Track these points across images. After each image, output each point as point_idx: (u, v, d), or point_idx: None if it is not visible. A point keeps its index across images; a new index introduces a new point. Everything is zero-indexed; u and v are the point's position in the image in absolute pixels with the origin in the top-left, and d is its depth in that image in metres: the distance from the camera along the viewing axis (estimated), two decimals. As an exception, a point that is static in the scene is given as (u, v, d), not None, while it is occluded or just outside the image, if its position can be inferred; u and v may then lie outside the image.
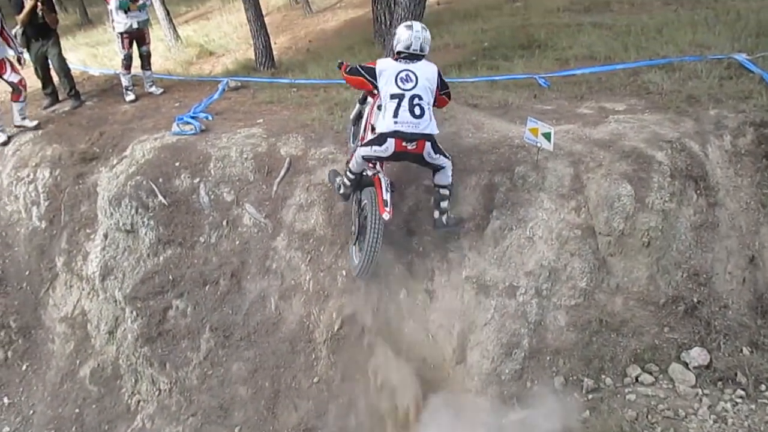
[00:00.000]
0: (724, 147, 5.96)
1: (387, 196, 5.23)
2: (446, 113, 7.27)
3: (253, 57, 10.46)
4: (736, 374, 5.05)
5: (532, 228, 5.61)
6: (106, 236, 6.78)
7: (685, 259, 5.47)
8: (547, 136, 5.64)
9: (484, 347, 5.37)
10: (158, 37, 12.16)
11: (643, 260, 5.44)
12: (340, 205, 6.18)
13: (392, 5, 9.61)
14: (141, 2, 8.29)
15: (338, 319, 5.84)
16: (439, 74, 5.40)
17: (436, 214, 5.53)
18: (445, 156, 5.35)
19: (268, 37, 10.38)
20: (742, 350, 5.23)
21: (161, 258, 6.54)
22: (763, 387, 5.01)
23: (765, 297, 5.41)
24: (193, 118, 7.45)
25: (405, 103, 5.11)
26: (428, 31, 5.43)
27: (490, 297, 5.47)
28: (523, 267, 5.50)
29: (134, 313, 6.45)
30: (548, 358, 5.29)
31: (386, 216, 5.10)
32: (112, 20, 8.48)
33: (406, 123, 5.10)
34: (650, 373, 5.18)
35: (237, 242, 6.46)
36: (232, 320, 6.23)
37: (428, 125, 5.17)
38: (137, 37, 8.51)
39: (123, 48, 8.45)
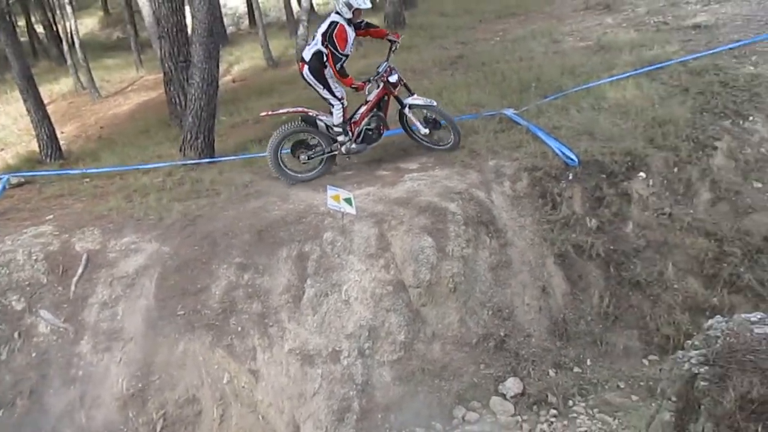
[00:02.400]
0: (506, 192, 6.63)
1: None
2: (251, 187, 7.33)
3: (38, 149, 9.75)
4: (547, 396, 5.48)
5: (347, 291, 5.75)
6: None
7: (488, 298, 5.91)
8: (348, 201, 5.89)
9: (316, 417, 5.32)
10: None
11: (453, 305, 5.80)
12: (150, 297, 5.88)
13: (185, 86, 9.55)
14: None
15: (160, 420, 5.46)
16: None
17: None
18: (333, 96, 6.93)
19: (53, 127, 9.79)
20: (548, 373, 5.70)
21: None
22: (571, 403, 5.48)
23: (559, 321, 5.99)
24: (-33, 224, 6.71)
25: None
26: None
27: (316, 366, 5.46)
28: (344, 330, 5.59)
29: None
30: (379, 415, 5.35)
31: None
32: None
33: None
34: (474, 411, 5.44)
35: (33, 354, 5.83)
36: (36, 444, 5.55)
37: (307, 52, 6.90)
38: None
39: None
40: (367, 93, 7.16)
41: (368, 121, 7.23)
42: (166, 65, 10.47)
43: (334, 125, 7.12)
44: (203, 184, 7.64)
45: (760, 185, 6.70)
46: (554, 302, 6.11)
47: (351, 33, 6.81)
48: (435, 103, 7.07)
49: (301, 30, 12.72)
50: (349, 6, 6.61)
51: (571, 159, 6.63)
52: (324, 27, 6.77)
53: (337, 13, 6.72)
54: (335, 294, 5.76)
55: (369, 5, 6.75)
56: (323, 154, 7.34)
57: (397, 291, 5.76)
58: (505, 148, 7.18)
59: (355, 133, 7.23)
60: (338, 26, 6.66)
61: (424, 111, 7.13)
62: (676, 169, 6.77)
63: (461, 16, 15.35)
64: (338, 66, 6.77)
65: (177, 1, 10.16)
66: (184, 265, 6.16)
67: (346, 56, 6.90)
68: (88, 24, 28.59)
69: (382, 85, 7.02)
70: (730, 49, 8.61)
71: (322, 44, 6.76)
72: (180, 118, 9.79)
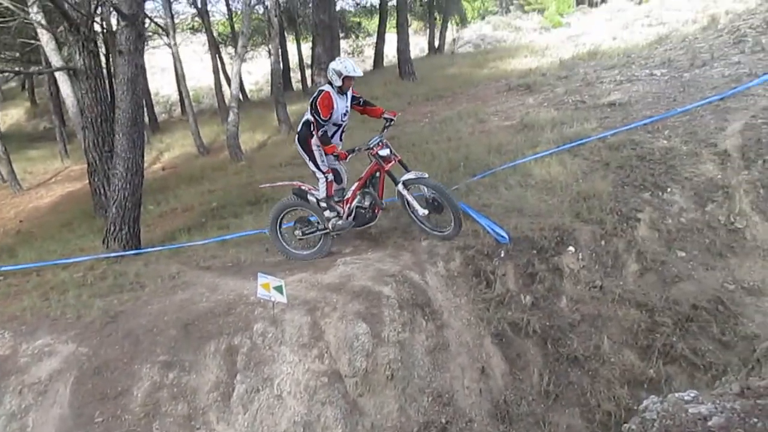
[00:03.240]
0: (440, 272, 6.57)
1: None
2: (179, 279, 7.04)
3: (-52, 248, 9.18)
4: (492, 485, 5.26)
5: (279, 385, 5.45)
6: None
7: (427, 383, 5.71)
8: (279, 289, 5.69)
9: None
10: None
11: (391, 393, 5.56)
12: (64, 405, 5.42)
13: (110, 176, 9.27)
14: None
15: None
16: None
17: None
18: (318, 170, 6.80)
19: (-35, 224, 9.25)
20: (492, 460, 5.50)
21: None
22: (516, 491, 5.27)
23: (500, 403, 5.83)
24: None
25: None
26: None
27: (247, 470, 5.09)
28: (277, 428, 5.25)
29: None
30: None
31: None
32: None
33: None
34: (419, 508, 5.14)
35: (-71, 479, 5.23)
36: None
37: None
38: None
39: None
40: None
41: (360, 198, 7.00)
42: (90, 155, 10.21)
43: (318, 199, 6.99)
44: (127, 277, 7.30)
45: (683, 254, 6.89)
46: (494, 383, 5.96)
47: (340, 102, 6.69)
48: (426, 175, 6.72)
49: (231, 117, 12.75)
50: (339, 74, 6.53)
51: (502, 236, 6.68)
52: (312, 97, 6.73)
53: (329, 83, 6.67)
54: (267, 389, 5.45)
55: (360, 73, 6.65)
56: (317, 231, 7.19)
57: (332, 382, 5.50)
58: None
59: (346, 211, 7.02)
60: (323, 93, 6.59)
61: (424, 190, 6.73)
62: (603, 242, 6.91)
63: (390, 99, 15.78)
64: (321, 133, 6.60)
65: (101, 91, 10.01)
66: (103, 367, 5.74)
67: (338, 126, 6.84)
68: (14, 115, 28.00)
69: (373, 160, 6.81)
70: (644, 124, 9.05)
71: (310, 113, 6.69)
72: (105, 209, 9.46)
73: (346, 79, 6.57)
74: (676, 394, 2.91)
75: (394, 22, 19.83)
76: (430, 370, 5.80)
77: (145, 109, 22.45)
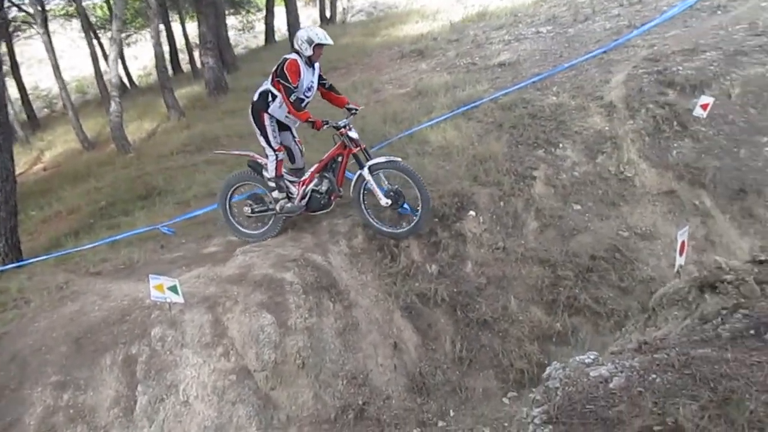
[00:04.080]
0: (343, 251, 6.42)
1: None
2: (67, 289, 6.56)
3: None
4: (415, 460, 5.23)
5: (185, 390, 5.17)
6: None
7: (340, 366, 5.59)
8: (173, 289, 5.37)
9: None
10: None
11: (304, 382, 5.40)
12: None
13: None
14: None
15: None
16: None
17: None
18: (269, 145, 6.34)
19: None
20: (414, 434, 5.47)
21: None
22: (438, 464, 5.27)
23: (416, 376, 5.80)
24: None
25: None
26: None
27: (158, 484, 4.81)
28: (186, 436, 5.00)
29: None
30: None
31: None
32: None
33: None
34: (343, 493, 5.05)
35: None
36: None
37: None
38: None
39: None
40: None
41: (318, 182, 6.55)
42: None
43: (267, 178, 6.53)
44: (9, 294, 6.72)
45: (579, 207, 7.05)
46: (408, 357, 5.92)
47: (308, 73, 6.22)
48: (399, 159, 6.32)
49: (113, 106, 11.96)
50: (310, 42, 6.03)
51: (404, 208, 6.58)
52: (276, 66, 6.19)
53: (296, 51, 6.15)
54: (172, 396, 5.15)
55: (330, 41, 6.16)
56: (267, 210, 6.75)
57: (241, 379, 5.27)
58: (337, 204, 7.01)
59: (300, 193, 6.57)
60: (289, 60, 6.07)
61: (384, 182, 6.32)
62: (502, 203, 6.96)
63: (284, 75, 15.30)
64: (293, 98, 6.08)
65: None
66: (-13, 397, 5.26)
67: (305, 98, 6.29)
68: None
69: (339, 141, 6.40)
70: (534, 82, 9.18)
71: (272, 83, 6.21)
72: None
73: (317, 47, 6.09)
74: (577, 358, 2.90)
75: (282, -6, 19.25)
76: (342, 353, 5.68)
77: (21, 105, 20.89)
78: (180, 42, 23.60)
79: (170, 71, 23.36)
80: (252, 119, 6.46)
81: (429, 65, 12.26)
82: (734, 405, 2.16)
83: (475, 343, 6.08)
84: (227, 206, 6.85)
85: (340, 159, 6.49)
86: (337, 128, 6.23)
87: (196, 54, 20.37)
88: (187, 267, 6.44)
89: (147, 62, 29.35)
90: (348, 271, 6.26)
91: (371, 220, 6.47)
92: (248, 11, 28.29)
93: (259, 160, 6.64)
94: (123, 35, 25.33)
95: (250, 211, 6.79)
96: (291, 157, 6.76)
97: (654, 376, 2.46)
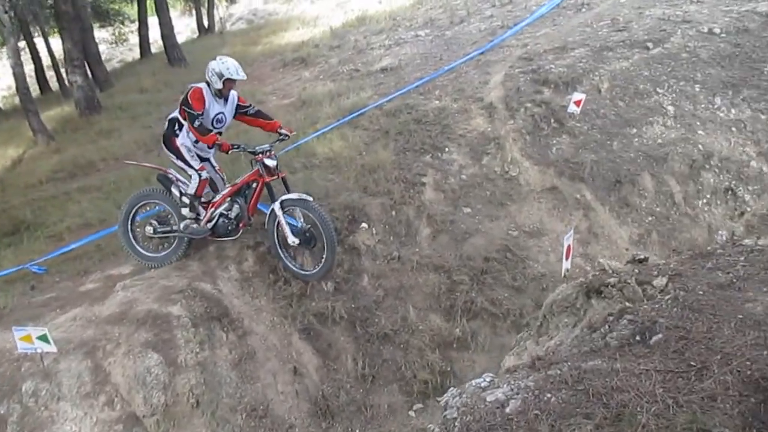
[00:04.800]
0: (233, 277, 6.13)
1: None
2: None
3: None
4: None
5: (65, 448, 4.70)
6: None
7: (238, 400, 5.30)
8: (43, 338, 4.86)
9: None
10: None
11: (199, 422, 5.06)
12: None
13: None
14: None
15: None
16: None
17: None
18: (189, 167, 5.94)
19: None
20: (319, 461, 5.28)
21: None
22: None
23: (319, 399, 5.61)
24: None
25: None
26: None
27: None
28: (69, 499, 4.54)
29: None
30: None
31: None
32: None
33: None
34: None
35: None
36: None
37: None
38: None
39: None
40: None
41: (228, 206, 6.11)
42: None
43: (185, 193, 6.04)
44: None
45: (469, 210, 7.12)
46: (310, 381, 5.72)
47: (215, 105, 5.88)
48: (311, 199, 5.97)
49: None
50: (220, 75, 5.66)
51: (295, 226, 6.35)
52: (183, 94, 5.83)
53: (207, 83, 5.76)
54: (50, 457, 4.68)
55: (243, 76, 5.77)
56: (171, 231, 6.23)
57: (129, 428, 4.86)
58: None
59: (208, 216, 6.11)
60: (194, 88, 5.73)
61: (299, 218, 6.06)
62: (394, 213, 6.90)
63: (162, 90, 14.65)
64: (197, 124, 5.70)
65: None
66: None
67: (212, 129, 5.92)
68: None
69: (255, 168, 5.99)
70: (416, 87, 9.22)
71: (179, 111, 5.85)
72: None
73: (228, 81, 5.75)
74: (474, 382, 2.83)
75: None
76: (239, 385, 5.39)
77: None
78: (47, 59, 22.05)
79: (38, 91, 21.80)
80: (164, 147, 6.14)
81: (312, 73, 12.09)
82: (627, 420, 2.15)
83: (377, 358, 5.97)
84: (129, 227, 6.37)
85: (254, 185, 6.15)
86: (254, 153, 5.90)
87: (65, 71, 19.05)
88: (62, 309, 5.91)
89: (12, 82, 27.29)
90: (240, 298, 5.97)
91: (284, 257, 6.19)
92: (122, 23, 26.87)
93: (170, 175, 6.23)
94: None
95: (152, 231, 6.35)
96: (214, 187, 6.36)
97: (549, 395, 2.41)
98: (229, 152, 5.82)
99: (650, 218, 7.16)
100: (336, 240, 6.06)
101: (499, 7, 12.47)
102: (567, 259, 4.05)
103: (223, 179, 6.43)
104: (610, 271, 3.20)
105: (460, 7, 13.41)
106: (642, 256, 3.35)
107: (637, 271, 3.21)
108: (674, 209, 7.23)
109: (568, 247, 4.12)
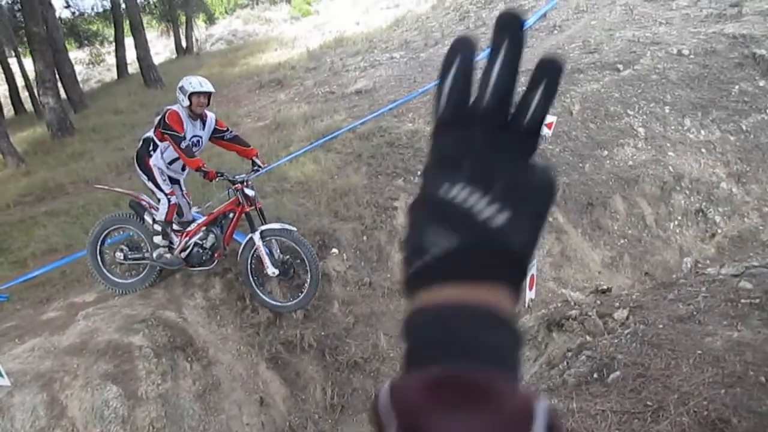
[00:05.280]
0: (199, 305, 5.99)
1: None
2: None
3: None
4: None
5: (17, 487, 4.52)
6: None
7: (200, 433, 5.15)
8: (-4, 372, 4.69)
9: None
10: None
11: (158, 457, 4.91)
12: None
13: None
14: None
15: None
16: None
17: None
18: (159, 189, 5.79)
19: None
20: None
21: None
22: None
23: (285, 431, 5.46)
24: None
25: None
26: None
27: None
28: None
29: None
30: None
31: None
32: None
33: None
34: None
35: None
36: None
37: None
38: None
39: None
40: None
41: (203, 235, 5.93)
42: None
43: (156, 221, 5.85)
44: None
45: (440, 233, 7.04)
46: (276, 412, 5.58)
47: (192, 126, 5.68)
48: (294, 230, 5.83)
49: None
50: (184, 91, 5.49)
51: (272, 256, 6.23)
52: (158, 117, 5.63)
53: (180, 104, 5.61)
54: (1, 497, 4.49)
55: (209, 87, 5.59)
56: (143, 259, 6.06)
57: (85, 464, 4.70)
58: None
59: (182, 245, 5.92)
60: (170, 111, 5.51)
61: (276, 249, 5.92)
62: (365, 237, 6.82)
63: (137, 112, 14.52)
64: (184, 145, 5.51)
65: None
66: None
67: (195, 144, 5.76)
68: None
69: (233, 197, 5.83)
70: (390, 109, 9.20)
71: (154, 131, 5.66)
72: None
73: (194, 95, 5.54)
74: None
75: (132, 26, 18.26)
76: (202, 417, 5.23)
77: None
78: (22, 80, 21.82)
79: (12, 111, 21.53)
80: (137, 167, 5.96)
81: (287, 95, 12.05)
82: (581, 465, 2.07)
83: (346, 387, 5.85)
84: (97, 250, 6.18)
85: (231, 215, 5.99)
86: (233, 182, 5.74)
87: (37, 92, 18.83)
88: (21, 339, 5.71)
89: (-14, 102, 26.97)
90: (206, 326, 5.83)
91: (257, 289, 6.02)
92: (100, 43, 26.71)
93: (143, 202, 6.06)
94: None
95: (122, 257, 6.18)
96: (180, 211, 6.20)
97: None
98: (213, 180, 5.68)
99: (622, 241, 7.14)
100: (320, 272, 5.95)
101: (473, 29, 12.55)
102: (530, 289, 3.98)
103: (189, 203, 6.30)
104: (573, 303, 3.14)
105: (434, 29, 13.48)
106: (605, 287, 3.29)
107: (599, 302, 3.15)
108: (646, 231, 7.23)
109: (532, 276, 4.06)
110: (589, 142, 7.99)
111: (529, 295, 3.96)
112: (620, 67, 8.95)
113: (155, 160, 5.84)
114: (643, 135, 8.03)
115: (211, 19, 30.89)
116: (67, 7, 23.12)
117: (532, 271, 4.13)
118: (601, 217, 7.27)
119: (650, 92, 8.54)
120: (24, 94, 22.10)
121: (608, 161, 7.78)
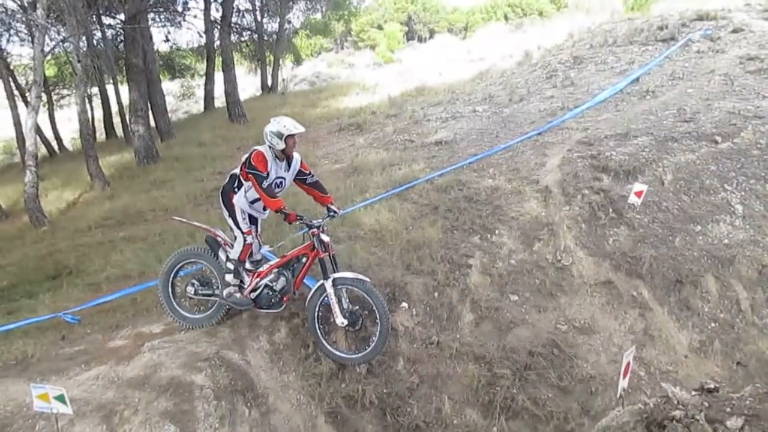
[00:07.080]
0: (263, 348, 5.87)
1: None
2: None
3: None
4: None
5: None
6: None
7: (251, 485, 4.96)
8: (60, 399, 4.66)
9: None
10: None
11: (210, 505, 4.74)
12: None
13: None
14: None
15: None
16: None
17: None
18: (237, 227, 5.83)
19: None
20: None
21: None
22: None
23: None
24: None
25: None
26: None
27: None
28: None
29: None
30: None
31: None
32: None
33: None
34: None
35: None
36: None
37: None
38: None
39: None
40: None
41: (274, 277, 5.92)
42: None
43: (229, 259, 5.92)
44: None
45: (516, 298, 6.74)
46: (332, 471, 5.34)
47: (277, 167, 5.76)
48: (368, 280, 5.77)
49: (29, 176, 11.16)
50: (279, 135, 5.56)
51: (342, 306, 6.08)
52: (245, 157, 5.74)
53: (269, 146, 5.68)
54: None
55: (301, 129, 5.72)
56: (213, 295, 6.10)
57: (135, 505, 4.58)
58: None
59: (252, 285, 5.94)
60: (256, 152, 5.63)
61: (344, 299, 5.80)
62: (436, 294, 6.59)
63: (219, 145, 14.93)
64: (265, 185, 5.61)
65: None
66: None
67: (278, 185, 5.86)
68: None
69: (309, 241, 5.84)
70: (470, 163, 9.02)
71: (240, 170, 5.75)
72: None
73: (289, 138, 5.63)
74: None
75: (225, 62, 19.00)
76: (256, 468, 5.06)
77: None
78: (116, 105, 22.97)
79: (104, 136, 22.61)
80: (221, 201, 6.00)
81: (366, 140, 12.08)
82: None
83: (405, 452, 5.55)
84: (169, 282, 6.22)
85: (304, 260, 5.95)
86: (310, 227, 5.75)
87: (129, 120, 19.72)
88: (87, 365, 5.73)
89: (80, 125, 28.40)
90: (268, 371, 5.69)
91: (322, 338, 5.90)
92: (191, 76, 27.94)
93: (219, 238, 6.11)
94: (56, 97, 24.53)
95: (193, 292, 6.19)
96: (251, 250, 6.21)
97: None
98: (293, 223, 5.68)
99: (713, 324, 6.62)
100: (390, 327, 5.78)
101: (560, 88, 12.30)
102: (624, 377, 3.64)
103: (260, 243, 6.26)
104: (675, 401, 2.81)
105: (520, 85, 13.32)
106: (712, 386, 2.94)
107: (706, 404, 2.81)
108: (740, 317, 6.68)
109: (627, 364, 3.71)
110: (681, 215, 7.54)
111: (622, 384, 3.61)
112: (718, 139, 8.49)
113: (238, 198, 5.85)
114: (740, 213, 7.53)
115: (298, 61, 31.89)
116: (166, 41, 24.23)
117: (629, 358, 3.79)
118: (690, 297, 6.78)
119: (750, 168, 8.04)
120: (116, 120, 23.22)
121: (701, 237, 7.30)
